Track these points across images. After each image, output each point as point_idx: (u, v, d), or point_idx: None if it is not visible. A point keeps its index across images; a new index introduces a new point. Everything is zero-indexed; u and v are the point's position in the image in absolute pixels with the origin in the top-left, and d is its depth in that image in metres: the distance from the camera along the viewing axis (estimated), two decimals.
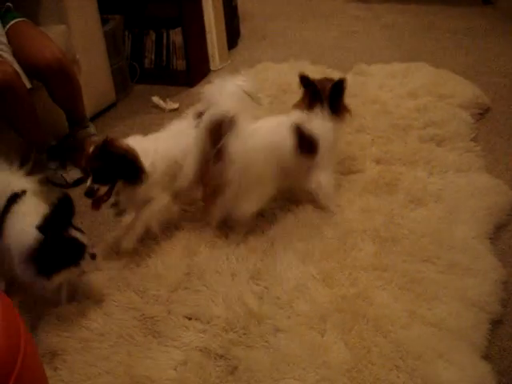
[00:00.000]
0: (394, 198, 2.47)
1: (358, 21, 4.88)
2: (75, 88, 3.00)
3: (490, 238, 2.26)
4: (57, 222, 1.85)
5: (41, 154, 2.93)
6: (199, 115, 2.31)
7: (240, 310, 1.98)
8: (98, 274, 2.20)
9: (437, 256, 2.14)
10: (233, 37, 4.44)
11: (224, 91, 2.22)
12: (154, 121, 3.51)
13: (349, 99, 3.34)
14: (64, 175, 2.90)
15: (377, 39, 4.46)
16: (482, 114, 3.21)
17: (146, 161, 2.21)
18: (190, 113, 2.53)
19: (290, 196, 2.51)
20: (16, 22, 2.93)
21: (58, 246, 1.84)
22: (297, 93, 3.50)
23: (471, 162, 2.68)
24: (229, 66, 4.17)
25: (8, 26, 2.89)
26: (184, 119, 2.52)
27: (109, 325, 1.98)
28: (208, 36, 4.06)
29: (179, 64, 3.98)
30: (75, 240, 1.88)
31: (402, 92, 3.37)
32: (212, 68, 4.14)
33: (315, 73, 3.72)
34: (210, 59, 4.13)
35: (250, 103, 2.27)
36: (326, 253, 2.18)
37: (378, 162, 2.73)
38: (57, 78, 2.86)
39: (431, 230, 2.28)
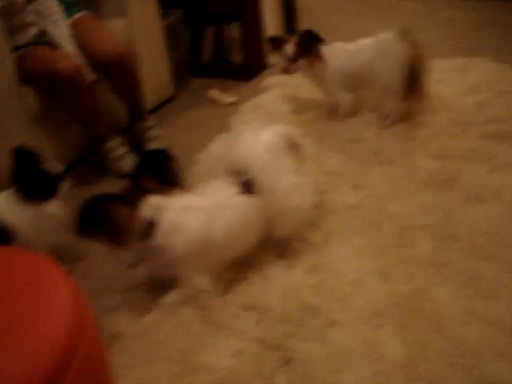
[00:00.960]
0: (454, 194, 2.43)
1: (415, 15, 4.81)
2: (135, 81, 3.07)
3: None
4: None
5: (101, 144, 3.00)
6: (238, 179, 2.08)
7: (295, 302, 1.99)
8: None
9: (496, 254, 2.09)
10: (290, 31, 4.44)
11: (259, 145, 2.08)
12: (212, 114, 3.56)
13: None
14: (124, 166, 2.96)
15: (435, 34, 4.37)
16: None
17: (177, 236, 1.95)
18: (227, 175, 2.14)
19: (348, 190, 2.51)
20: (80, 16, 3.02)
21: None
22: None
23: None
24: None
25: (72, 19, 2.98)
26: (222, 182, 2.12)
27: (166, 313, 2.02)
28: (265, 30, 4.07)
29: (237, 58, 4.03)
30: None
31: (462, 87, 3.32)
32: (269, 62, 4.15)
33: None
34: (267, 53, 4.14)
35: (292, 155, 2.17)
36: (383, 248, 2.17)
37: (437, 157, 2.69)
38: (118, 71, 2.94)
39: (491, 227, 2.23)
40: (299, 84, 3.62)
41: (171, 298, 2.04)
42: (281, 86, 3.67)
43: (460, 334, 1.80)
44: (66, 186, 2.27)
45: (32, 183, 2.15)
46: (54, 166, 2.24)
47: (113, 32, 3.02)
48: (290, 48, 3.03)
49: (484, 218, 2.28)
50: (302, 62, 3.06)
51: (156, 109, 3.62)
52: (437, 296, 1.94)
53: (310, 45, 3.03)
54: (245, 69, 3.99)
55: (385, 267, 2.08)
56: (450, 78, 3.44)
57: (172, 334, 1.93)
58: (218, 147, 3.05)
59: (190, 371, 1.81)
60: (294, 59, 3.04)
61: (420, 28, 4.47)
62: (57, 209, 2.21)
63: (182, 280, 2.02)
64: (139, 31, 3.39)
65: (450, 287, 1.97)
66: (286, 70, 3.10)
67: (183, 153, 3.10)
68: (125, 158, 2.97)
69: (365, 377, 1.71)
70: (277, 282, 2.07)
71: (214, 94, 3.74)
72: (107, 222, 1.83)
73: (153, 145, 3.11)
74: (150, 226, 1.91)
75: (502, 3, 4.83)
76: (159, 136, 3.18)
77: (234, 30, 4.00)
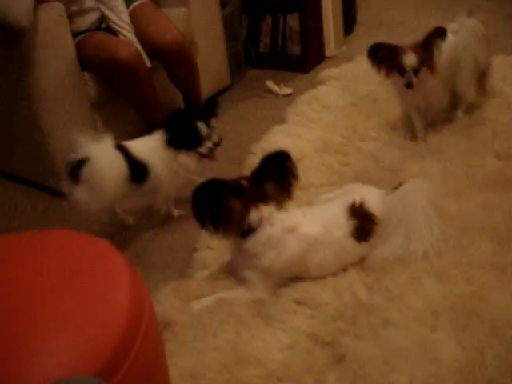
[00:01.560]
0: None
1: (480, 11, 4.64)
2: (193, 70, 3.07)
3: None
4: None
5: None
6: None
7: (349, 299, 1.96)
8: (211, 253, 2.25)
9: None
10: (349, 23, 4.38)
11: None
12: (268, 105, 3.54)
13: None
14: None
15: (500, 29, 4.23)
16: None
17: (273, 250, 1.98)
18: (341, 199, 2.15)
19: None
20: (140, 3, 3.03)
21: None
22: None
23: None
24: (344, 53, 4.12)
25: (132, 7, 2.99)
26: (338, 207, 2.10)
27: (218, 303, 2.02)
28: (324, 22, 4.03)
29: (294, 49, 3.98)
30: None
31: None
32: (327, 54, 4.11)
33: None
34: (326, 45, 4.09)
35: None
36: (441, 249, 2.10)
37: (498, 157, 2.60)
38: (176, 60, 2.94)
39: None
40: (357, 77, 3.58)
41: (231, 294, 2.05)
42: (338, 79, 3.62)
43: None
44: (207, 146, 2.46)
45: (180, 132, 2.42)
46: (213, 134, 2.48)
47: (172, 21, 3.03)
48: (412, 56, 2.59)
49: None
50: (425, 72, 2.65)
51: (213, 97, 3.62)
52: (495, 300, 1.87)
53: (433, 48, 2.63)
54: (302, 60, 3.95)
55: (443, 268, 2.02)
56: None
57: (224, 325, 1.93)
58: (273, 138, 3.01)
59: (240, 363, 1.80)
60: (418, 69, 2.62)
61: (484, 23, 4.36)
62: (191, 161, 2.46)
63: (248, 282, 2.03)
64: (198, 20, 3.39)
65: (509, 292, 1.91)
66: (410, 85, 2.62)
67: (239, 143, 3.12)
68: None
69: (419, 379, 1.67)
70: (330, 278, 2.04)
71: (271, 84, 3.72)
72: (221, 211, 1.90)
73: None
74: (251, 230, 1.95)
75: None
76: (214, 127, 3.17)
77: (292, 21, 3.95)
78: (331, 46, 4.10)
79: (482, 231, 2.18)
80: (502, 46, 3.88)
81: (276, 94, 3.68)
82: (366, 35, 4.39)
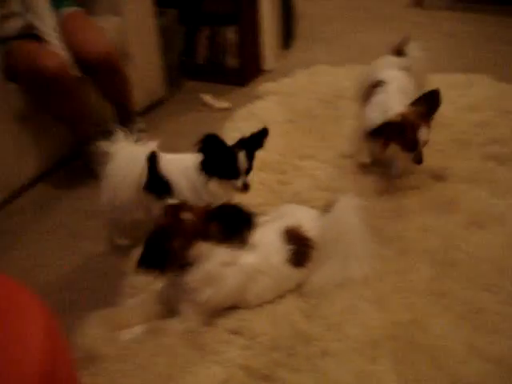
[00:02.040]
0: (454, 218, 2.34)
1: (417, 27, 4.71)
2: (124, 82, 2.95)
3: None
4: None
5: (87, 145, 2.87)
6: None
7: (286, 328, 1.87)
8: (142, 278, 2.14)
9: (498, 285, 2.00)
10: (287, 37, 4.33)
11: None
12: (204, 120, 3.44)
13: None
14: None
15: (437, 47, 4.28)
16: None
17: (210, 286, 1.87)
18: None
19: None
20: (70, 12, 2.89)
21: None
22: (353, 99, 3.41)
23: None
24: (282, 67, 4.06)
25: (62, 15, 2.85)
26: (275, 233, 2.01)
27: (149, 332, 1.90)
28: (262, 35, 3.95)
29: (232, 62, 3.90)
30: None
31: (463, 105, 3.24)
32: (265, 68, 4.04)
33: None
34: (264, 59, 4.03)
35: None
36: (380, 273, 2.06)
37: (437, 178, 2.60)
38: (105, 73, 2.82)
39: (493, 255, 2.14)
40: (295, 92, 3.53)
41: (162, 324, 1.93)
42: (277, 94, 3.56)
43: (458, 371, 1.71)
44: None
45: (216, 159, 2.18)
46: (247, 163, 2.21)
47: (103, 31, 2.89)
48: (426, 132, 2.42)
49: (485, 246, 2.19)
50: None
51: (147, 111, 3.50)
52: (436, 328, 1.84)
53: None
54: (240, 73, 3.87)
55: (381, 294, 1.97)
56: (451, 95, 3.33)
57: (155, 357, 1.81)
58: None
59: None
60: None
61: (421, 40, 4.40)
62: (220, 190, 2.22)
63: (182, 314, 1.91)
64: (132, 30, 3.26)
65: (449, 319, 1.88)
66: (421, 161, 2.44)
67: None
68: None
69: None
70: (267, 306, 1.96)
71: (207, 98, 3.62)
72: (164, 257, 1.78)
73: None
74: (190, 265, 1.83)
75: (503, 18, 4.76)
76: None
77: (230, 33, 3.87)
78: (269, 59, 4.04)
79: (420, 255, 2.15)
80: (438, 64, 3.91)
81: (213, 108, 3.58)
82: (304, 49, 4.37)
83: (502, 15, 4.83)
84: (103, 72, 2.79)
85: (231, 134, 3.08)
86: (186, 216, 1.80)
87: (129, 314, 1.99)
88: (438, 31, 4.61)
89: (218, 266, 1.84)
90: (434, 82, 3.51)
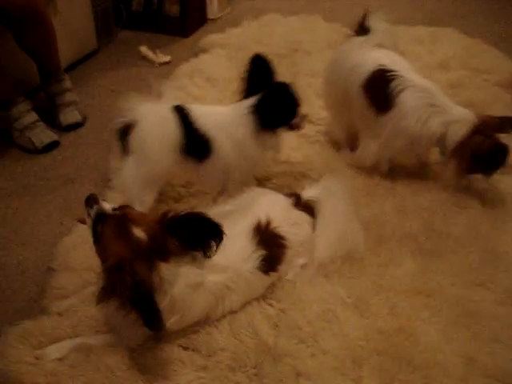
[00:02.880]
0: (434, 196, 2.06)
1: None
2: (48, 34, 2.50)
3: None
4: None
5: (4, 110, 2.43)
6: None
7: (250, 341, 1.55)
8: (71, 275, 1.76)
9: (492, 280, 1.74)
10: None
11: None
12: (142, 75, 3.02)
13: None
14: (32, 138, 2.41)
15: None
16: None
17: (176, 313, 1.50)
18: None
19: None
20: None
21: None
22: (310, 53, 3.06)
23: None
24: (228, 16, 3.65)
25: None
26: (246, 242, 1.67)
27: (82, 351, 1.54)
28: None
29: (172, 9, 3.46)
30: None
31: (432, 62, 2.94)
32: (209, 16, 3.63)
33: (329, 31, 3.28)
34: (208, 6, 3.60)
35: None
36: (357, 268, 1.76)
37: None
38: (27, 22, 2.38)
39: (481, 241, 1.87)
40: (245, 45, 3.14)
41: (96, 340, 1.57)
42: (224, 46, 3.16)
43: None
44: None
45: (280, 109, 1.92)
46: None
47: None
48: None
49: (471, 229, 1.92)
50: None
51: (76, 65, 3.04)
52: (426, 339, 1.55)
53: None
54: (181, 22, 3.43)
55: (361, 295, 1.67)
56: (417, 51, 3.05)
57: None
58: None
59: None
60: None
61: None
62: (278, 139, 2.00)
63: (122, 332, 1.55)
64: None
65: (441, 325, 1.60)
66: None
67: (106, 123, 2.59)
68: (33, 129, 2.42)
69: None
70: (227, 314, 1.62)
71: (145, 50, 3.19)
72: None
73: (68, 113, 2.57)
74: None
75: None
76: (76, 102, 2.63)
77: None
78: (214, 6, 3.62)
79: (400, 244, 1.86)
80: (400, 16, 3.57)
81: (151, 62, 3.16)
82: None
83: None
84: (24, 21, 2.34)
85: (173, 94, 2.70)
86: (138, 233, 1.41)
87: (55, 323, 1.62)
88: None
89: (183, 290, 1.45)
90: (397, 35, 3.23)
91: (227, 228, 1.44)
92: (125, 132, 1.85)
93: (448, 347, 1.53)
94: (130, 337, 1.53)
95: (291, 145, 2.32)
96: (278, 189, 2.00)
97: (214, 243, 1.41)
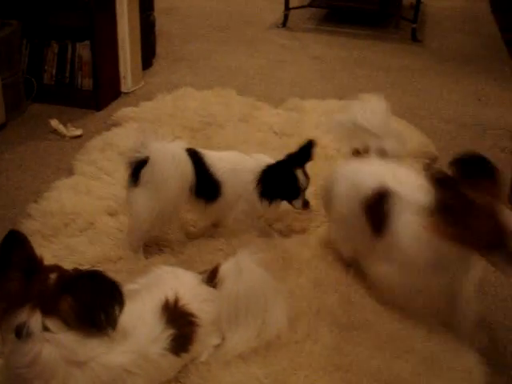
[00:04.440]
0: (350, 269, 2.05)
1: (284, 50, 4.50)
2: None
3: None
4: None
5: None
6: None
7: None
8: None
9: (410, 348, 1.72)
10: (148, 56, 3.92)
11: None
12: (52, 150, 2.94)
13: (283, 139, 2.96)
14: None
15: (307, 71, 4.09)
16: (430, 164, 2.87)
17: None
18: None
19: None
20: None
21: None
22: (223, 126, 3.06)
23: None
24: (142, 89, 3.64)
25: None
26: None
27: None
28: (120, 53, 3.52)
29: (85, 83, 3.42)
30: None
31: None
32: (123, 90, 3.60)
33: (244, 105, 3.32)
34: (122, 79, 3.58)
35: None
36: (273, 345, 1.70)
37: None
38: None
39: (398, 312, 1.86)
40: (159, 118, 3.12)
41: None
42: (137, 120, 3.12)
43: None
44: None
45: (277, 185, 2.12)
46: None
47: None
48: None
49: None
50: None
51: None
52: None
53: None
54: (94, 96, 3.39)
55: (278, 375, 1.61)
56: (322, 121, 3.12)
57: None
58: (57, 196, 2.41)
59: None
60: None
61: (291, 64, 4.19)
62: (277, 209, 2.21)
63: None
64: None
65: None
66: None
67: (14, 199, 2.50)
68: None
69: None
70: None
71: (56, 124, 3.10)
72: None
73: None
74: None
75: (369, 42, 4.68)
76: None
77: (82, 50, 3.38)
78: (128, 80, 3.60)
79: (317, 318, 1.82)
80: (310, 90, 3.71)
81: (62, 136, 3.07)
82: (167, 71, 3.97)
83: (368, 39, 4.76)
84: None
85: (83, 168, 2.64)
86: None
87: None
88: (306, 54, 4.42)
89: (59, 358, 1.32)
90: (309, 108, 3.32)
91: (133, 308, 1.36)
92: (137, 166, 1.98)
93: None
94: None
95: None
96: (190, 262, 1.96)
97: (113, 310, 1.32)
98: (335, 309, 1.86)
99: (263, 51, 4.42)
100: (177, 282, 1.66)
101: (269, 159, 2.17)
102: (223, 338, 1.65)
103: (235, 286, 1.63)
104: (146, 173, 1.96)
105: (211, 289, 1.67)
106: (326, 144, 2.82)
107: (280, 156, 2.19)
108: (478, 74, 4.09)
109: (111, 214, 2.30)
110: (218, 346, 1.65)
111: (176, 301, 1.57)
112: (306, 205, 2.17)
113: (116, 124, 3.10)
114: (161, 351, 1.49)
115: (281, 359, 1.66)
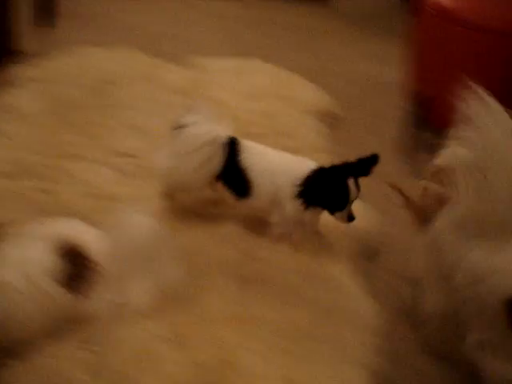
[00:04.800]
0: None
1: (185, 6, 4.42)
2: None
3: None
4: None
5: None
6: None
7: None
8: None
9: (310, 300, 1.78)
10: (49, 14, 3.73)
11: None
12: None
13: (186, 98, 2.91)
14: None
15: (207, 29, 4.07)
16: (334, 123, 2.93)
17: None
18: None
19: None
20: None
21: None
22: (126, 85, 2.99)
23: None
24: (41, 48, 3.46)
25: None
26: None
27: None
28: (13, 5, 3.30)
29: None
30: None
31: (242, 91, 3.04)
32: (18, 48, 3.39)
33: (147, 64, 3.26)
34: (15, 36, 3.37)
35: None
36: (176, 299, 1.69)
37: None
38: None
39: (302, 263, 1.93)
40: (58, 78, 3.00)
41: None
42: (34, 80, 2.96)
43: None
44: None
45: (325, 191, 1.93)
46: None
47: None
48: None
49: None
50: None
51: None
52: (249, 367, 1.53)
53: None
54: None
55: (182, 330, 1.61)
56: (227, 81, 3.13)
57: None
58: None
59: None
60: None
61: (191, 21, 4.14)
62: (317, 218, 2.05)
63: None
64: None
65: (262, 352, 1.58)
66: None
67: None
68: None
69: None
70: (36, 358, 1.48)
71: None
72: None
73: None
74: None
75: (277, 3, 4.67)
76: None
77: None
78: (23, 37, 3.39)
79: (220, 272, 1.84)
80: (208, 47, 3.68)
81: None
82: (68, 29, 3.78)
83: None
84: None
85: None
86: None
87: None
88: (207, 12, 4.40)
89: None
90: (213, 67, 3.28)
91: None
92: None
93: (270, 372, 1.52)
94: None
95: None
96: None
97: None
98: (235, 262, 1.89)
99: (163, 8, 4.37)
100: (79, 233, 1.63)
101: (312, 163, 1.99)
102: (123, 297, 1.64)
103: (124, 238, 1.61)
104: (180, 137, 1.99)
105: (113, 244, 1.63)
106: (227, 102, 2.85)
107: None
108: (383, 35, 4.18)
109: (7, 177, 2.20)
110: (118, 305, 1.63)
111: (76, 244, 1.56)
112: (351, 219, 1.95)
113: (9, 84, 2.91)
114: (47, 277, 1.49)
115: (184, 314, 1.66)
